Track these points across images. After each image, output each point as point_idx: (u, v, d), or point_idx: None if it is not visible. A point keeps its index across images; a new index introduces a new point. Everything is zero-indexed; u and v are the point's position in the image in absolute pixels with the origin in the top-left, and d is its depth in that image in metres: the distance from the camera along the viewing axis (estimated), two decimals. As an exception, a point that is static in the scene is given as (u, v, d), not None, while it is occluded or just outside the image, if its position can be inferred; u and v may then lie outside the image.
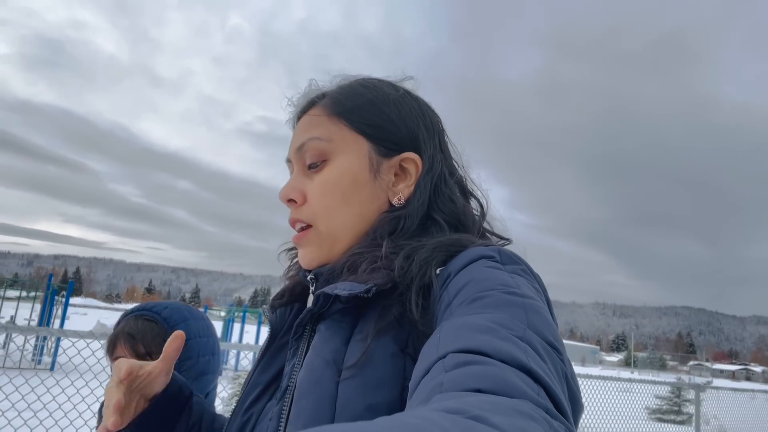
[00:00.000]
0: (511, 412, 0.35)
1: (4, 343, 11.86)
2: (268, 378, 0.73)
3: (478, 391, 0.39)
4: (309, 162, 0.75)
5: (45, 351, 12.81)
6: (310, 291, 0.75)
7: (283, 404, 0.63)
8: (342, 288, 0.62)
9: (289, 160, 0.79)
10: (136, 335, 1.20)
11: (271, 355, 0.75)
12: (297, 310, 0.78)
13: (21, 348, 12.21)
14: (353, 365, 0.58)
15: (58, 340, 10.99)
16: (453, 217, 0.73)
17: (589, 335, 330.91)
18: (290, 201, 0.75)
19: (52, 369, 10.74)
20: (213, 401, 1.30)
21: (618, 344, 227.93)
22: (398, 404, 0.56)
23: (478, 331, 0.47)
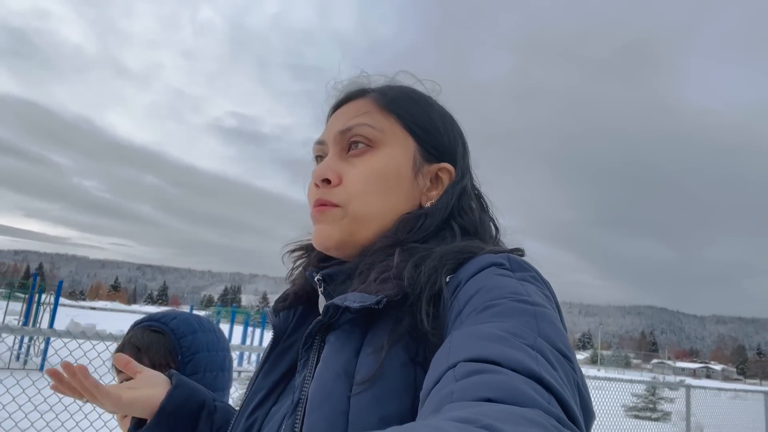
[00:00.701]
0: (522, 421, 0.35)
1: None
2: (271, 382, 0.73)
3: (489, 400, 0.39)
4: (352, 143, 0.74)
5: (32, 351, 12.62)
6: (320, 292, 0.74)
7: (295, 417, 0.62)
8: (352, 300, 0.62)
9: (321, 143, 0.79)
10: (141, 347, 1.16)
11: (274, 358, 0.75)
12: (300, 314, 0.78)
13: (12, 348, 11.91)
14: (366, 380, 0.58)
15: (48, 339, 10.66)
16: (471, 225, 0.74)
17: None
18: (324, 181, 0.74)
19: (41, 369, 10.49)
20: None
21: (584, 342, 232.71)
22: (410, 415, 0.56)
23: (489, 340, 0.47)
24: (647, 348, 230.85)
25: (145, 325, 1.21)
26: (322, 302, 0.73)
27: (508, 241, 0.79)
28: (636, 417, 14.09)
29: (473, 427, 0.32)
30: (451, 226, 0.73)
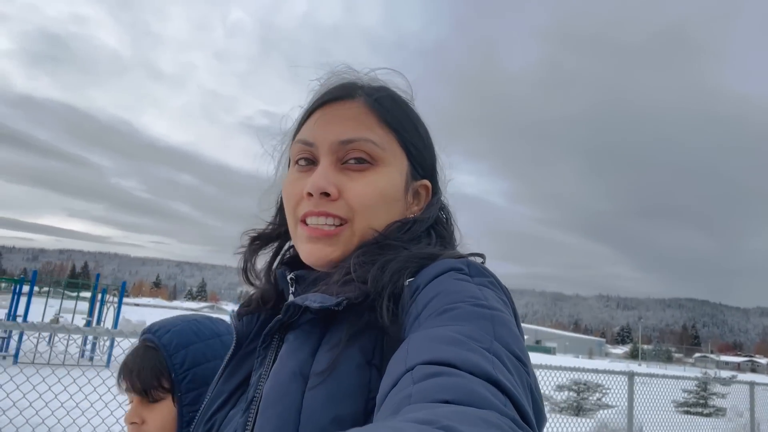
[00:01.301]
0: (480, 422, 0.36)
1: (49, 340, 12.12)
2: (232, 386, 0.73)
3: (447, 402, 0.40)
4: (354, 159, 0.73)
5: (98, 348, 13.35)
6: (291, 293, 0.74)
7: (248, 415, 0.63)
8: (313, 299, 0.62)
9: (310, 144, 0.75)
10: (134, 369, 1.11)
11: (236, 363, 0.75)
12: (264, 319, 0.78)
13: (82, 346, 12.57)
14: (321, 372, 0.58)
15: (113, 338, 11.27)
16: (447, 233, 0.78)
17: (593, 327, 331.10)
18: (323, 194, 0.71)
19: (108, 365, 11.19)
20: None
21: (623, 337, 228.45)
22: (363, 416, 0.57)
23: (446, 343, 0.48)
24: (689, 342, 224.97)
25: (144, 338, 1.16)
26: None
27: (468, 242, 0.81)
28: (687, 413, 14.01)
29: (432, 428, 0.33)
30: (430, 234, 0.75)
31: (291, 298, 0.73)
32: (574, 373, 7.85)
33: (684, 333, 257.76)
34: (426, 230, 0.75)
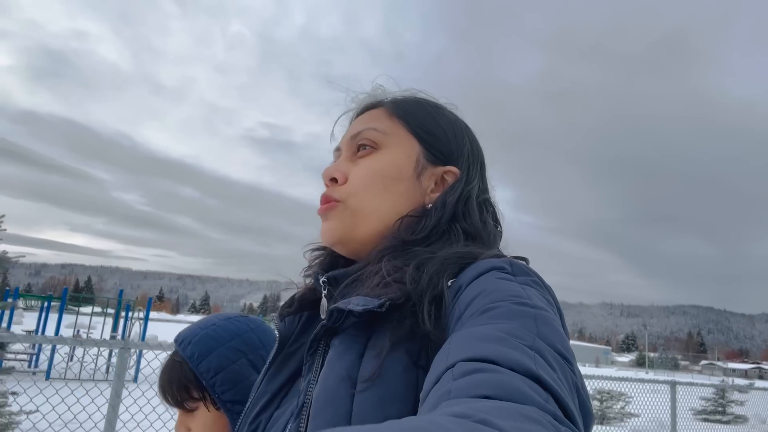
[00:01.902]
0: (518, 416, 0.35)
1: (70, 356, 12.09)
2: (276, 386, 0.74)
3: (486, 397, 0.40)
4: (360, 149, 0.79)
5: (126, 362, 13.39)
6: (323, 295, 0.75)
7: (300, 421, 0.63)
8: (356, 303, 0.62)
9: (338, 149, 0.83)
10: (164, 388, 1.16)
11: (279, 364, 0.76)
12: (306, 319, 0.79)
13: (109, 362, 12.62)
14: (368, 379, 0.58)
15: (140, 352, 11.25)
16: (474, 228, 0.74)
17: (598, 336, 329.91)
18: (332, 180, 0.78)
19: (135, 380, 11.04)
20: None
21: (628, 344, 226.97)
22: None
23: (487, 341, 0.48)
24: (695, 349, 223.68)
25: (172, 353, 1.21)
26: (324, 305, 0.75)
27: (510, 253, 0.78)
28: (705, 420, 13.88)
29: (469, 421, 0.33)
30: (455, 229, 0.73)
31: (324, 300, 0.75)
32: (603, 381, 7.76)
33: (689, 340, 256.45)
34: (449, 225, 0.73)
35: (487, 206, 0.81)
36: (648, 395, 8.38)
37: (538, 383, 0.42)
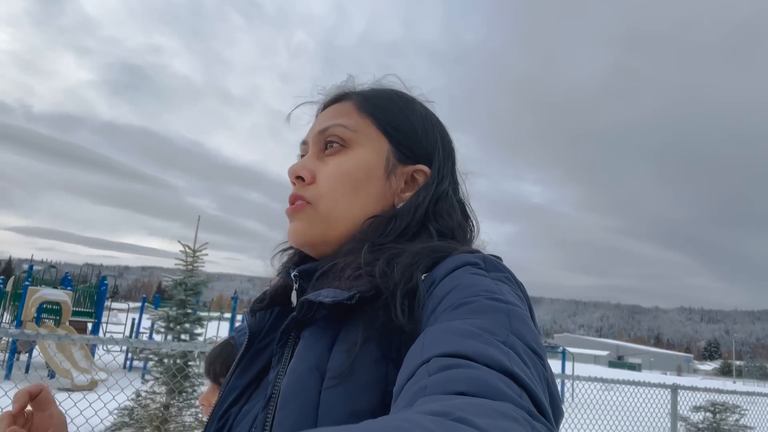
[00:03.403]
0: (494, 413, 0.36)
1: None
2: (246, 381, 0.73)
3: (462, 394, 0.40)
4: (327, 145, 0.76)
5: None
6: (294, 288, 0.75)
7: (267, 412, 0.63)
8: (325, 295, 0.62)
9: (305, 142, 0.81)
10: (210, 360, 1.31)
11: (249, 358, 0.76)
12: (277, 314, 0.78)
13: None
14: (338, 375, 0.58)
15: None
16: (447, 229, 0.74)
17: (676, 342, 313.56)
18: (298, 178, 0.76)
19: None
20: None
21: (710, 352, 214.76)
22: (380, 410, 0.57)
23: (462, 336, 0.48)
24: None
25: (230, 336, 1.36)
26: (294, 298, 0.75)
27: (488, 248, 0.78)
28: None
29: (446, 419, 0.33)
30: (428, 230, 0.73)
31: (294, 294, 0.75)
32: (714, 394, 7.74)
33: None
34: (422, 225, 0.73)
35: (460, 205, 0.80)
36: (763, 407, 8.26)
37: (512, 379, 0.43)
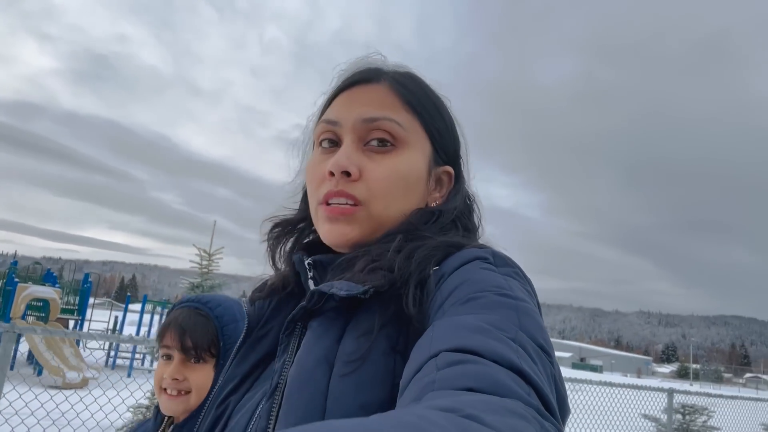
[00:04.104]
0: (504, 411, 0.35)
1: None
2: (244, 370, 0.73)
3: (470, 390, 0.40)
4: (376, 138, 0.72)
5: None
6: (309, 276, 0.72)
7: (273, 401, 0.62)
8: (339, 287, 0.61)
9: (332, 122, 0.74)
10: (187, 328, 1.20)
11: (248, 347, 0.75)
12: (276, 304, 0.78)
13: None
14: (354, 360, 0.57)
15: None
16: (473, 227, 0.78)
17: (635, 345, 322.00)
18: (344, 173, 0.70)
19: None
20: None
21: (668, 355, 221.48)
22: (389, 402, 0.56)
23: (471, 331, 0.48)
24: (738, 361, 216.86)
25: (192, 306, 1.24)
26: (309, 287, 0.72)
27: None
28: None
29: (456, 416, 0.33)
30: (456, 227, 0.73)
31: (310, 283, 0.72)
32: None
33: (732, 352, 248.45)
34: (452, 221, 0.74)
35: (476, 202, 0.81)
36: (728, 409, 8.87)
37: (520, 376, 0.43)
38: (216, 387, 0.75)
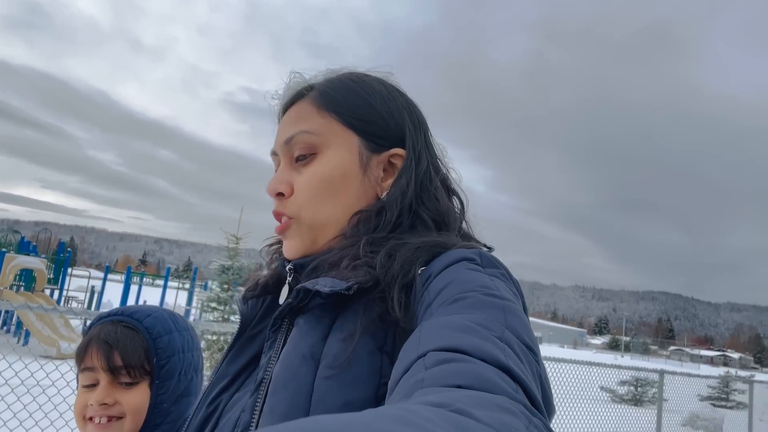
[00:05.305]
0: (493, 406, 0.36)
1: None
2: (236, 368, 0.73)
3: (459, 387, 0.41)
4: (297, 155, 0.74)
5: None
6: (287, 282, 0.75)
7: (257, 396, 0.62)
8: (323, 284, 0.62)
9: (275, 153, 0.78)
10: (114, 344, 1.03)
11: (240, 346, 0.75)
12: (269, 303, 0.78)
13: None
14: (338, 366, 0.58)
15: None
16: (438, 215, 0.73)
17: (569, 317, 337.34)
18: (278, 195, 0.75)
19: None
20: None
21: (600, 327, 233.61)
22: (374, 401, 0.57)
23: (459, 331, 0.49)
24: (663, 334, 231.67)
25: (116, 319, 1.07)
26: (284, 293, 0.75)
27: (474, 220, 0.78)
28: (713, 406, 15.64)
29: (446, 410, 0.33)
30: (421, 217, 0.72)
31: (285, 287, 0.75)
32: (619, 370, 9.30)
33: (659, 326, 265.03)
34: (415, 214, 0.72)
35: (445, 183, 0.78)
36: (676, 384, 10.02)
37: (507, 374, 0.44)
38: (207, 385, 0.75)
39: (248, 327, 0.77)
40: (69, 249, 16.22)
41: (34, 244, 15.89)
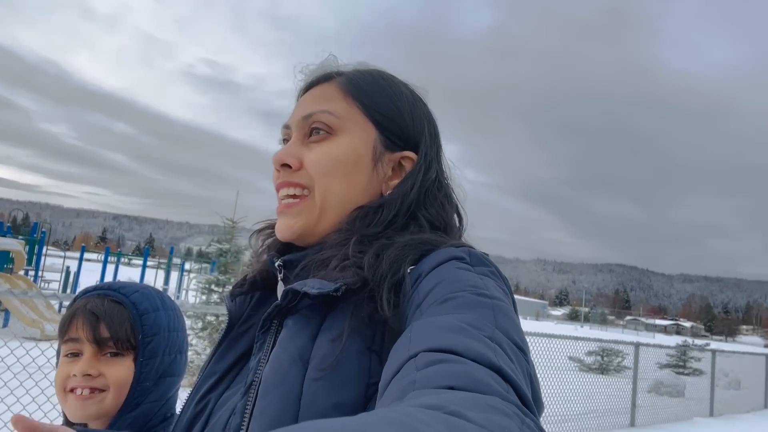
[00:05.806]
0: (486, 408, 0.36)
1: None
2: (225, 366, 0.72)
3: (451, 388, 0.41)
4: (313, 132, 0.74)
5: None
6: (279, 279, 0.74)
7: (247, 399, 0.62)
8: (311, 285, 0.62)
9: (287, 126, 0.78)
10: (101, 315, 1.01)
11: (228, 343, 0.75)
12: (257, 300, 0.78)
13: None
14: (326, 368, 0.57)
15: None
16: (440, 221, 0.73)
17: (531, 290, 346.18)
18: (284, 166, 0.73)
19: None
20: (174, 404, 1.10)
21: (560, 299, 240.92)
22: (363, 402, 0.57)
23: (450, 331, 0.49)
24: (620, 305, 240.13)
25: (103, 293, 1.05)
26: (281, 288, 0.73)
27: (469, 236, 0.77)
28: (675, 373, 16.60)
29: (440, 412, 0.33)
30: (418, 221, 0.71)
31: (280, 284, 0.74)
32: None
33: (616, 297, 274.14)
34: (412, 217, 0.72)
35: (448, 196, 0.78)
36: (643, 355, 10.75)
37: (499, 374, 0.44)
38: (196, 383, 0.74)
39: (236, 324, 0.76)
40: (43, 229, 15.85)
41: (9, 224, 15.43)
